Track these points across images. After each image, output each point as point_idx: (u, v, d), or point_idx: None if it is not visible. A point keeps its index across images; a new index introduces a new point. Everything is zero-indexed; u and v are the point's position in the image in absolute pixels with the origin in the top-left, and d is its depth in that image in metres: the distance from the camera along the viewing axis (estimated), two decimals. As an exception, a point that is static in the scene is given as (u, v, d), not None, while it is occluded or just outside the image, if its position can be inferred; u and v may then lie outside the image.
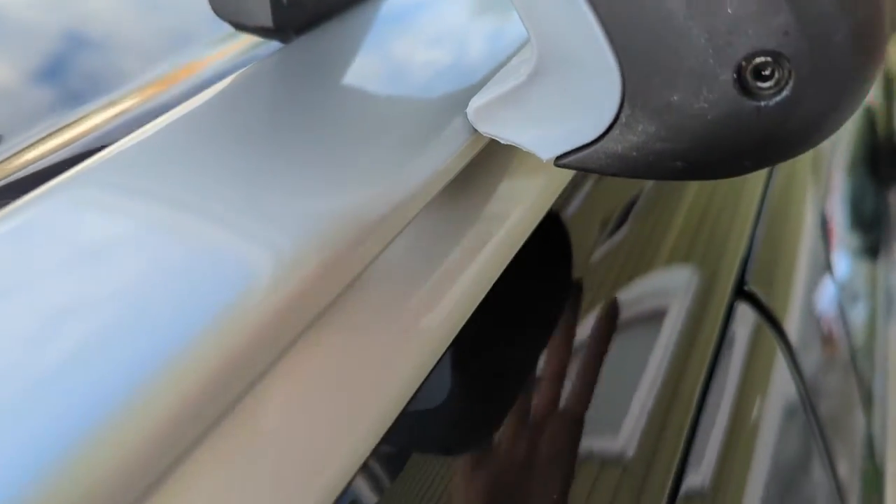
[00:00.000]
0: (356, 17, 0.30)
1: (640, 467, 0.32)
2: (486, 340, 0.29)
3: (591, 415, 0.31)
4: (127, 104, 0.30)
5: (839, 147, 0.95)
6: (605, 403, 0.32)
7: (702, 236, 0.43)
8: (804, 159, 0.66)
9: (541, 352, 0.31)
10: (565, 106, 0.24)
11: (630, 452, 0.32)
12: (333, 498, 0.21)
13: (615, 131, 0.23)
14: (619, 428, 0.32)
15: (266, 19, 0.27)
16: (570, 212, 0.36)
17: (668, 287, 0.39)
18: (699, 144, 0.22)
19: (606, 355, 0.33)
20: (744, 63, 0.21)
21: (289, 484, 0.20)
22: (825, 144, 0.77)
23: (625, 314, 0.35)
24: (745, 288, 0.45)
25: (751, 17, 0.20)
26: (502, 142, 0.26)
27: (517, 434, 0.29)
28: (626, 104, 0.23)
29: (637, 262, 0.37)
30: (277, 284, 0.20)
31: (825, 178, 0.75)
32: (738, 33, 0.20)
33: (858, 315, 1.01)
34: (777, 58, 0.20)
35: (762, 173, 0.53)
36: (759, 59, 0.21)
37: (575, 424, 0.30)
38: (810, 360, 0.51)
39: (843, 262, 0.98)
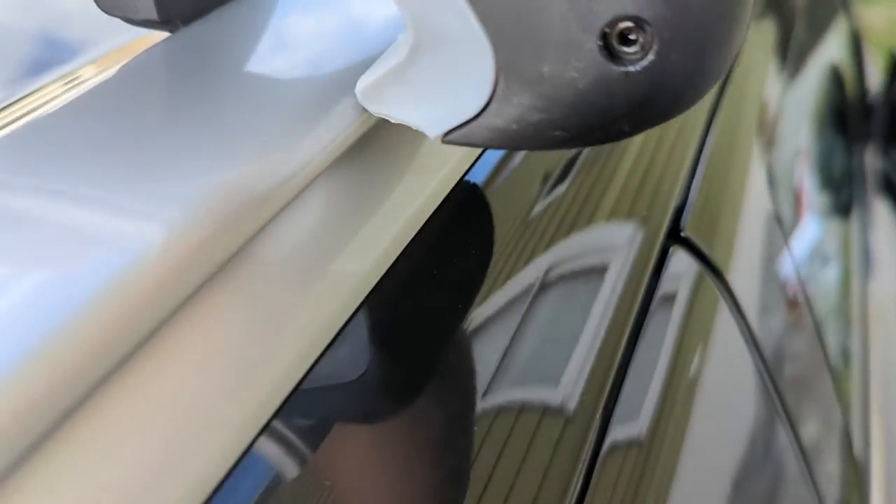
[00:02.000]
0: (245, 3, 0.30)
1: (566, 420, 0.32)
2: (405, 298, 0.30)
3: (518, 370, 0.31)
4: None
5: (800, 107, 0.95)
6: (532, 357, 0.32)
7: (636, 186, 0.43)
8: (748, 115, 0.66)
9: (465, 311, 0.31)
10: (445, 82, 0.25)
11: (557, 404, 0.32)
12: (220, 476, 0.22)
13: (493, 105, 0.24)
14: (545, 381, 0.32)
15: (151, 12, 0.27)
16: (505, 169, 0.37)
17: (600, 237, 0.39)
18: (574, 112, 0.23)
19: (533, 308, 0.33)
20: (608, 29, 0.21)
21: (176, 456, 0.21)
22: (771, 100, 0.77)
23: (558, 262, 0.36)
24: (682, 234, 0.45)
25: None
26: (392, 121, 0.27)
27: (437, 395, 0.29)
28: (500, 78, 0.23)
29: (568, 216, 0.38)
30: (164, 253, 0.21)
31: (771, 134, 0.75)
32: (598, 0, 0.20)
33: (830, 274, 1.02)
34: (639, 22, 0.21)
35: (699, 126, 0.53)
36: (622, 25, 0.21)
37: (500, 381, 0.31)
38: (753, 305, 0.51)
39: (813, 221, 0.98)
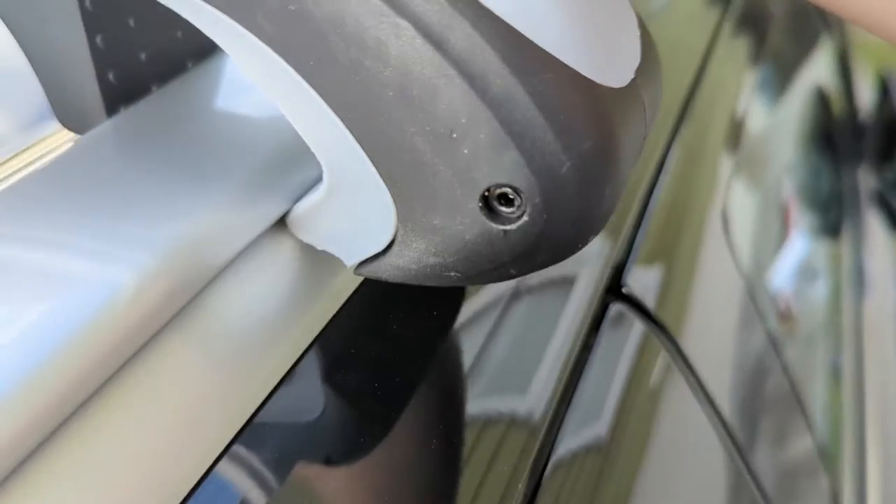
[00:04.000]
0: (181, 88, 0.32)
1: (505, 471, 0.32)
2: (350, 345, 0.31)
3: (462, 420, 0.32)
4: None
5: (784, 128, 0.96)
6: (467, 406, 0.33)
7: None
8: (711, 156, 0.66)
9: (407, 366, 0.32)
10: (355, 222, 0.27)
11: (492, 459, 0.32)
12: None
13: (395, 248, 0.26)
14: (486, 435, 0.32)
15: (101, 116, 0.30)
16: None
17: (536, 297, 0.39)
18: (464, 259, 0.25)
19: (466, 355, 0.34)
20: (487, 192, 0.23)
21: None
22: (746, 118, 0.77)
23: (489, 322, 0.36)
24: (623, 290, 0.43)
25: (483, 156, 0.22)
26: (317, 248, 0.29)
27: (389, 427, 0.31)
28: (399, 225, 0.26)
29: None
30: (132, 296, 0.23)
31: (749, 153, 0.74)
32: (476, 169, 0.23)
33: (818, 291, 1.03)
34: (514, 188, 0.23)
35: (649, 174, 0.52)
36: (500, 190, 0.23)
37: (444, 433, 0.31)
38: (699, 355, 0.48)
39: (800, 239, 1.00)
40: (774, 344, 0.74)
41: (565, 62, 0.22)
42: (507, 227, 0.24)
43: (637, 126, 0.25)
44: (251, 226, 0.28)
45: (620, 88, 0.24)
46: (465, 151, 0.22)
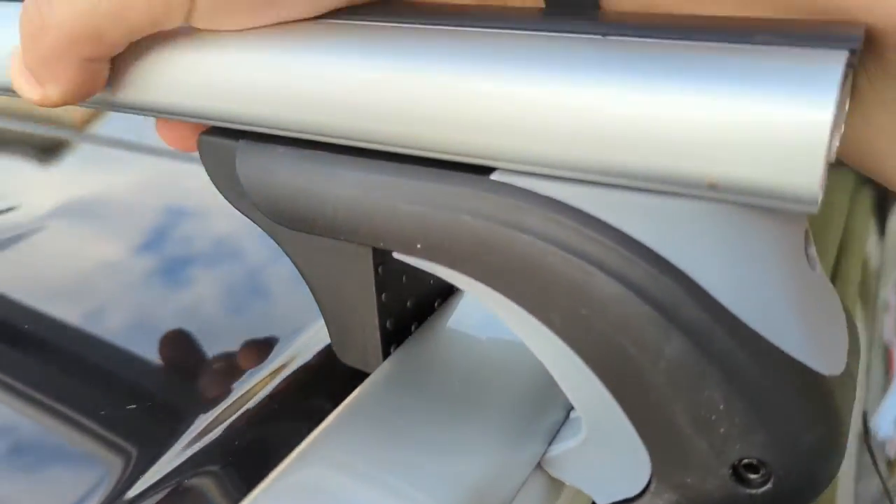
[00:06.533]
0: (436, 328, 0.38)
1: None
2: None
3: None
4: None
5: (885, 270, 0.98)
6: None
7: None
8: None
9: None
10: (611, 470, 0.32)
11: None
12: None
13: (647, 496, 0.31)
14: None
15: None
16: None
17: None
18: None
19: None
20: (737, 462, 0.28)
21: None
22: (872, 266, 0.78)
23: None
24: None
25: (737, 436, 0.27)
26: (568, 484, 0.34)
27: None
28: (653, 478, 0.30)
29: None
30: None
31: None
32: (729, 445, 0.27)
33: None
34: (761, 461, 0.28)
35: None
36: (749, 460, 0.28)
37: None
38: None
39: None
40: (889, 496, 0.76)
41: (802, 361, 0.27)
42: (753, 491, 0.28)
43: (852, 395, 0.29)
44: (524, 468, 0.32)
45: (838, 376, 0.28)
46: (722, 430, 0.27)
